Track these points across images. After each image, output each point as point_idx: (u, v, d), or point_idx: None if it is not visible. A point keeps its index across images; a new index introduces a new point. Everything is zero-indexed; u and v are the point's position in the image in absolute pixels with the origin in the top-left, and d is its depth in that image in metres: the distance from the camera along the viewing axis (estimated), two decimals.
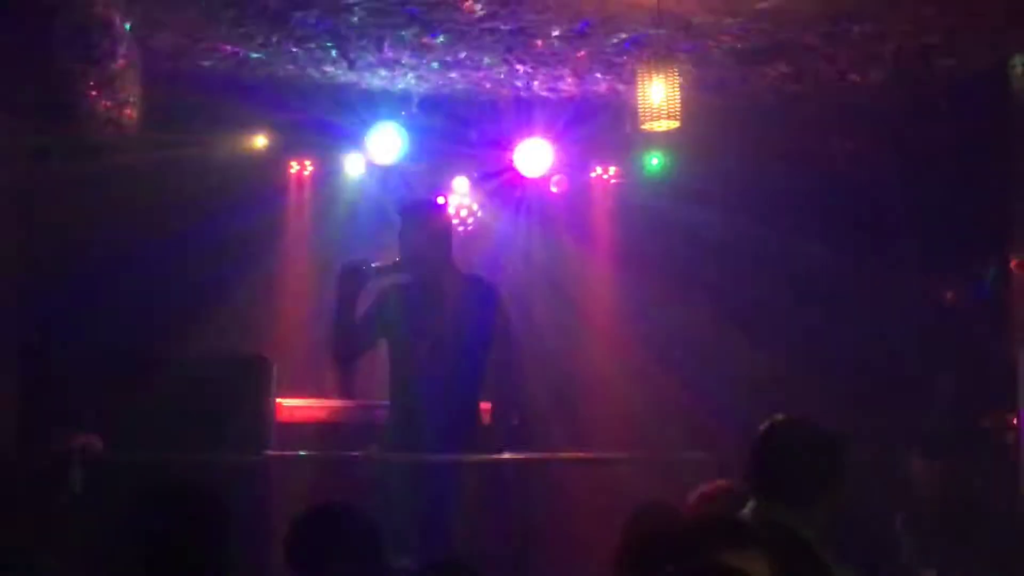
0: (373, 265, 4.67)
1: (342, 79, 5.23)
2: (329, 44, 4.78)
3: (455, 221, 5.27)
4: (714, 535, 2.19)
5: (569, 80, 5.30)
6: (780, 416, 2.89)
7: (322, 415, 5.14)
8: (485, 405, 4.71)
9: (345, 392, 5.14)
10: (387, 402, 4.81)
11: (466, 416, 4.56)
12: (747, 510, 2.83)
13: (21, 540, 3.22)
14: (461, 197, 5.69)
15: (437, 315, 4.54)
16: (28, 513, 3.87)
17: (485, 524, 4.44)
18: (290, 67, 5.12)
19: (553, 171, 5.61)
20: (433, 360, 4.50)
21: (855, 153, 5.54)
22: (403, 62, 5.01)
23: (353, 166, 5.58)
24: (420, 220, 4.70)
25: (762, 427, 2.88)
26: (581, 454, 5.08)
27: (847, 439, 2.90)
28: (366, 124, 5.37)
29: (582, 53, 4.90)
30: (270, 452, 4.64)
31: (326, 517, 2.85)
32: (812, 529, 2.73)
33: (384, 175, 5.55)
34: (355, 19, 4.49)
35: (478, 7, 4.36)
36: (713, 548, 2.09)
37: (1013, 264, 4.97)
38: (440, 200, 5.27)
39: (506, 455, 4.54)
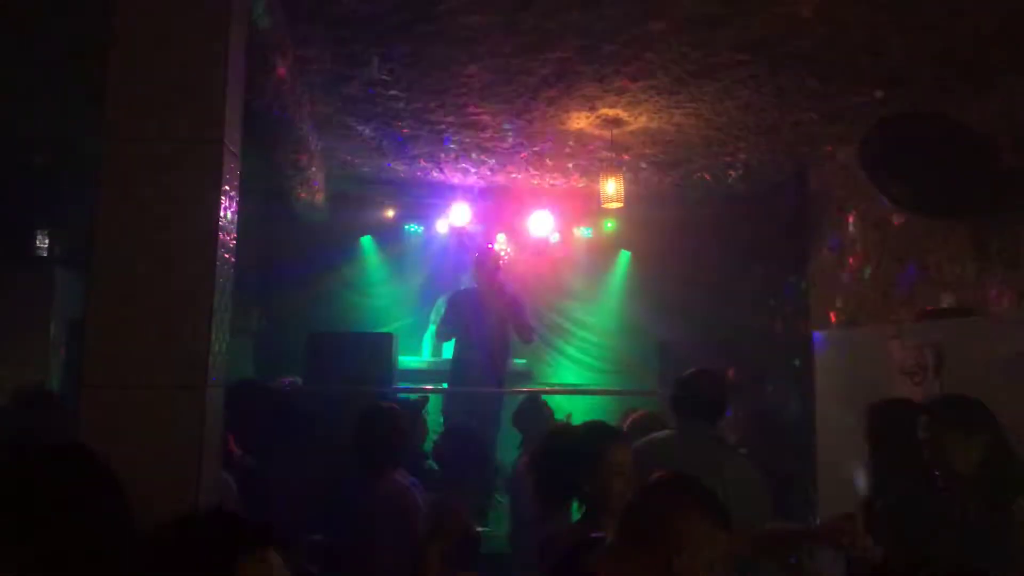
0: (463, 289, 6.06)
1: (436, 178, 6.49)
2: (429, 159, 6.00)
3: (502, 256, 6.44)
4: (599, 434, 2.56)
5: (562, 178, 6.37)
6: (692, 368, 3.36)
7: (417, 365, 6.67)
8: None
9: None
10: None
11: (497, 367, 5.95)
12: (673, 425, 3.26)
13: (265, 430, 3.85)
14: (502, 243, 7.08)
15: (484, 311, 5.88)
16: (265, 417, 4.10)
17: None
18: (408, 171, 6.33)
19: (552, 230, 6.91)
20: (480, 336, 5.89)
21: (714, 223, 6.71)
22: (469, 169, 6.22)
23: (441, 227, 6.99)
24: (480, 257, 6.21)
25: (683, 375, 3.33)
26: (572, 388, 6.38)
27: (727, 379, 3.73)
28: (448, 203, 6.72)
29: (570, 164, 5.97)
30: (395, 386, 5.91)
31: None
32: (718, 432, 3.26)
33: (458, 232, 6.95)
34: (443, 146, 5.67)
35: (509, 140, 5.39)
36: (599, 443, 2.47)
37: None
38: (491, 247, 6.46)
39: (517, 388, 5.90)
